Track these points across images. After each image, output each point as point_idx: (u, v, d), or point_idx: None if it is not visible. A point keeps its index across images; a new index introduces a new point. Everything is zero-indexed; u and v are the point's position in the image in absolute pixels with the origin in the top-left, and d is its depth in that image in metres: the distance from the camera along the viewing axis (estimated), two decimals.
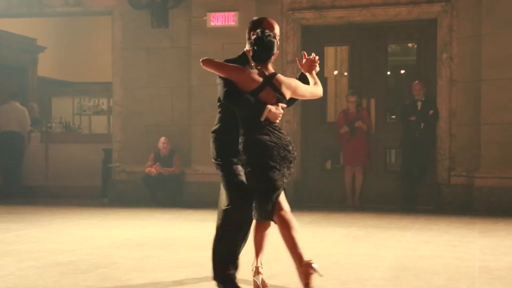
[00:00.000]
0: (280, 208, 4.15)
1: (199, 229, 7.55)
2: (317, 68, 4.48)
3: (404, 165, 10.05)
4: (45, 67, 15.31)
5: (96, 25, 14.07)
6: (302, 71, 4.52)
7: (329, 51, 11.72)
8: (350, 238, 6.86)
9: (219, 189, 4.64)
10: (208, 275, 4.80)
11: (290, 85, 4.29)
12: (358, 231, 7.38)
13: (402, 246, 6.37)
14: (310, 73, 4.46)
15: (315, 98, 4.57)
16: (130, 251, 5.99)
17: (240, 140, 4.21)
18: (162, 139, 10.28)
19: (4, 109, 11.79)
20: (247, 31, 4.51)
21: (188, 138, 10.38)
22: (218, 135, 4.41)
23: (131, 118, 10.79)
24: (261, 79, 4.20)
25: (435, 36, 9.86)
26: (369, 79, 10.37)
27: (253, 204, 4.19)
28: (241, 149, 4.22)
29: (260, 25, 4.40)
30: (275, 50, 4.27)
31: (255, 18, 4.60)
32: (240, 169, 4.31)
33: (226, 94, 4.23)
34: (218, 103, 4.47)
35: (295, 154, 4.26)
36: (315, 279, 3.94)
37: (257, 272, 4.26)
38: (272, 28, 4.38)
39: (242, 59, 4.41)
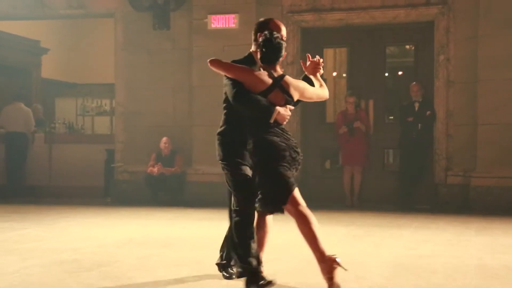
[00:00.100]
0: (298, 203, 4.11)
1: (200, 228, 7.56)
2: (321, 71, 4.45)
3: (402, 165, 10.05)
4: (49, 68, 15.31)
5: (99, 27, 14.08)
6: (306, 73, 4.49)
7: (328, 52, 11.72)
8: (349, 237, 6.86)
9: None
10: (209, 273, 4.82)
11: (298, 87, 4.25)
12: (357, 230, 7.38)
13: (400, 245, 6.37)
14: (315, 75, 4.43)
15: (322, 100, 4.54)
16: (133, 250, 5.99)
17: (249, 141, 4.17)
18: (164, 139, 10.28)
19: (9, 110, 11.79)
20: (253, 32, 4.45)
21: (189, 138, 10.38)
22: (224, 137, 4.37)
23: (133, 119, 10.79)
24: (270, 81, 4.15)
25: (432, 38, 9.86)
26: (368, 81, 10.37)
27: (262, 198, 4.14)
28: (251, 150, 4.18)
29: (266, 26, 4.34)
30: (283, 52, 4.23)
31: (261, 19, 4.52)
32: (247, 170, 4.27)
33: (236, 95, 4.17)
34: (224, 104, 4.42)
35: (302, 156, 4.24)
36: (338, 274, 3.93)
37: None
38: (279, 30, 4.33)
39: (248, 60, 4.36)
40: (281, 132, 4.17)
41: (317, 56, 4.49)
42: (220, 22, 10.15)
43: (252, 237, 4.22)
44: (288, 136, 4.19)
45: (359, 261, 5.37)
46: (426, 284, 4.53)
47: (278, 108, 4.13)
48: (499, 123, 9.17)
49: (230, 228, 4.66)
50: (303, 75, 4.55)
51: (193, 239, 6.65)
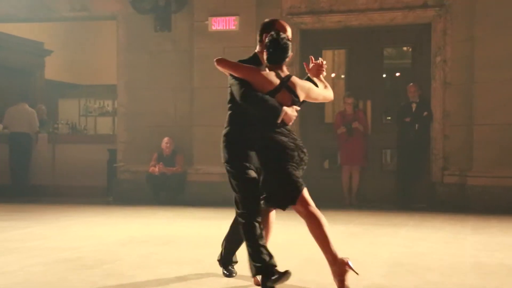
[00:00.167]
0: (307, 203, 4.06)
1: (200, 227, 7.56)
2: (324, 73, 4.43)
3: (399, 164, 10.06)
4: (52, 70, 15.33)
5: (101, 29, 14.09)
6: (309, 75, 4.47)
7: (327, 54, 11.73)
8: (348, 235, 6.87)
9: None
10: (209, 271, 4.82)
11: (304, 87, 4.21)
12: (355, 228, 7.39)
13: (398, 242, 6.38)
14: (318, 77, 4.39)
15: (327, 101, 4.51)
16: (134, 248, 6.00)
17: (256, 141, 4.12)
18: (165, 139, 10.28)
19: (13, 111, 11.80)
20: (258, 33, 4.40)
21: (190, 138, 10.39)
22: (229, 138, 4.32)
23: (135, 119, 10.80)
24: (278, 81, 4.11)
25: (429, 40, 9.87)
26: (366, 82, 10.38)
27: (268, 197, 4.09)
28: (258, 150, 4.13)
29: (272, 27, 4.29)
30: (290, 52, 4.20)
31: (266, 20, 4.47)
32: (252, 173, 4.23)
33: (244, 94, 4.11)
34: (229, 105, 4.35)
35: (308, 156, 4.19)
36: (349, 277, 3.90)
37: None
38: (284, 30, 4.30)
39: (254, 61, 4.31)
40: (288, 132, 4.13)
41: (320, 58, 4.47)
42: (221, 24, 10.16)
43: (261, 236, 4.18)
44: (295, 136, 4.15)
45: (356, 258, 5.35)
46: (423, 282, 4.53)
47: (285, 108, 4.08)
48: (495, 124, 9.18)
49: (231, 228, 4.66)
50: (306, 77, 4.52)
51: (194, 238, 6.65)
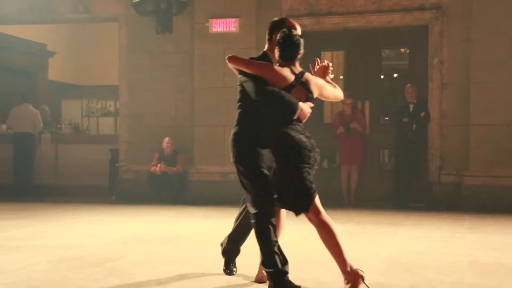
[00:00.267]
0: (319, 211, 3.96)
1: (201, 226, 7.55)
2: (332, 75, 4.37)
3: (397, 164, 10.05)
4: (55, 71, 15.33)
5: (104, 31, 14.09)
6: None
7: (326, 55, 11.69)
8: (346, 234, 6.84)
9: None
10: (210, 269, 4.81)
11: (318, 84, 4.13)
12: (353, 227, 7.37)
13: (396, 241, 6.36)
14: (324, 79, 4.35)
15: (337, 100, 4.46)
16: (136, 246, 5.99)
17: (270, 137, 3.98)
18: (166, 139, 10.27)
19: (17, 111, 11.78)
20: (267, 32, 4.30)
21: (191, 138, 10.38)
22: (238, 136, 4.16)
23: (137, 120, 10.79)
24: (292, 77, 4.02)
25: (426, 42, 9.86)
26: (364, 83, 10.36)
27: (281, 199, 3.98)
28: (274, 148, 3.99)
29: (282, 25, 4.20)
30: (302, 49, 4.12)
31: (275, 18, 4.39)
32: (264, 172, 4.07)
33: (261, 90, 3.98)
34: (238, 103, 4.21)
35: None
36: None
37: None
38: (295, 28, 4.21)
39: (264, 59, 4.20)
40: (302, 130, 4.02)
41: (325, 60, 4.44)
42: (221, 26, 10.14)
43: (275, 239, 4.03)
44: (308, 134, 4.05)
45: (355, 257, 5.35)
46: (421, 280, 4.52)
47: (301, 104, 3.98)
48: (491, 124, 9.17)
49: (235, 227, 4.61)
50: None
51: (195, 236, 6.65)
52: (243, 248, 4.69)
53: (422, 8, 9.78)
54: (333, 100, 4.47)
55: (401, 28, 10.13)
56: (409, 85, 9.86)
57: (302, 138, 3.98)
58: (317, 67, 4.36)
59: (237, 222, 4.61)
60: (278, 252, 4.02)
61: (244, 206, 4.48)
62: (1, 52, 13.37)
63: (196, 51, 10.32)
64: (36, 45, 14.66)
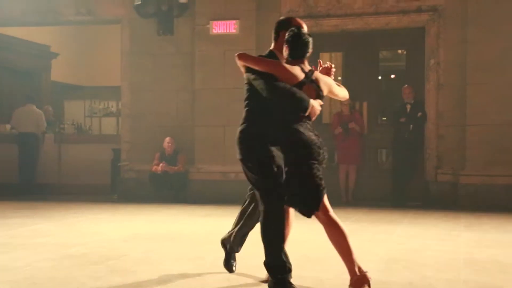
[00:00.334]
0: (327, 210, 3.88)
1: (202, 224, 7.55)
2: (333, 76, 4.36)
3: (394, 164, 10.04)
4: (58, 72, 15.32)
5: (106, 33, 14.09)
6: None
7: (324, 57, 11.65)
8: None
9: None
10: (210, 267, 4.81)
11: (327, 82, 4.10)
12: (351, 226, 7.36)
13: (393, 239, 6.37)
14: None
15: (343, 100, 4.43)
16: (138, 245, 5.98)
17: (280, 136, 3.92)
18: (167, 139, 10.27)
19: (21, 112, 11.77)
20: (273, 31, 4.23)
21: (191, 138, 10.38)
22: (245, 134, 4.05)
23: (139, 120, 10.80)
24: (302, 75, 3.96)
25: (423, 43, 9.86)
26: (362, 84, 10.35)
27: (291, 198, 3.88)
28: (283, 145, 3.90)
29: (289, 24, 4.15)
30: (311, 47, 4.09)
31: (282, 18, 4.35)
32: (273, 168, 3.92)
33: (272, 86, 3.89)
34: (246, 102, 4.11)
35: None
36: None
37: None
38: (301, 27, 4.17)
39: (271, 57, 4.13)
40: (311, 128, 3.98)
41: (328, 62, 4.43)
42: (221, 27, 10.14)
43: (282, 240, 3.93)
44: (317, 132, 4.01)
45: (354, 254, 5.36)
46: (418, 277, 4.52)
47: (312, 101, 3.93)
48: (487, 124, 9.18)
49: (244, 220, 4.48)
50: None
51: (196, 235, 6.64)
52: (243, 248, 4.68)
53: (419, 10, 9.78)
54: (341, 99, 4.44)
55: (398, 30, 10.13)
56: (406, 86, 9.86)
57: (312, 135, 3.93)
58: (319, 68, 4.34)
59: (246, 215, 4.44)
60: (283, 252, 3.93)
61: (249, 200, 4.40)
62: (5, 53, 13.36)
63: (197, 53, 10.32)
64: (39, 47, 14.66)
